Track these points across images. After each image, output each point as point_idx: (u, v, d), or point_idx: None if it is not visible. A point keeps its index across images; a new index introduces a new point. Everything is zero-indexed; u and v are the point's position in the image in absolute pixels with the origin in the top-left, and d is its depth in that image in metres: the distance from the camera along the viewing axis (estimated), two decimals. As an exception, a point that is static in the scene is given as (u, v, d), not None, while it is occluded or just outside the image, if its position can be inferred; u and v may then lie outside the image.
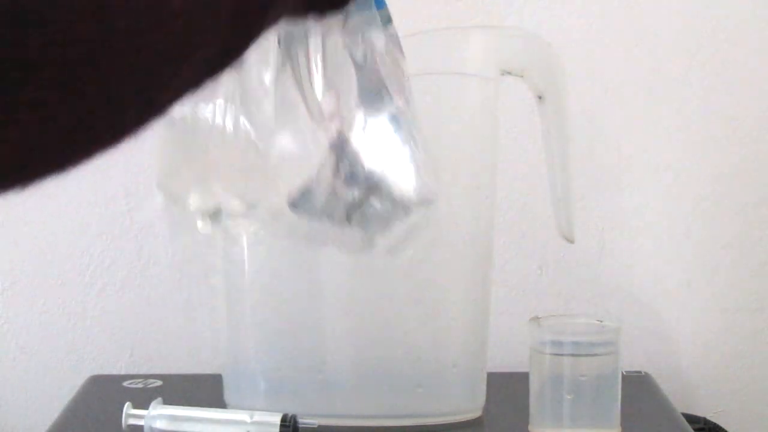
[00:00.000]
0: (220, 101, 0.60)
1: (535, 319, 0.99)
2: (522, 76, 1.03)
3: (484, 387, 1.05)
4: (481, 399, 1.05)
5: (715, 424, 1.24)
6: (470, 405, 1.04)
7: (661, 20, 1.24)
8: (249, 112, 0.61)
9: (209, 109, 0.60)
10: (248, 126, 0.61)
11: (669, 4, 1.24)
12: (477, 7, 1.24)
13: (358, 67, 0.60)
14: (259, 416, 0.97)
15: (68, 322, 1.26)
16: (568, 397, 0.97)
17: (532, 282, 1.27)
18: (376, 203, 0.60)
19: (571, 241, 1.06)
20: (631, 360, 1.20)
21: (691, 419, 1.18)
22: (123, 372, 1.26)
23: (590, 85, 1.25)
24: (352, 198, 0.60)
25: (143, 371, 1.25)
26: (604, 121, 1.25)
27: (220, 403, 1.06)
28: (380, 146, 0.61)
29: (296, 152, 0.61)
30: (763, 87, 1.25)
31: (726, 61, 1.25)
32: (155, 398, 1.00)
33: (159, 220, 1.25)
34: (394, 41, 0.61)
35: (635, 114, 1.25)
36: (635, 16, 1.24)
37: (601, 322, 1.00)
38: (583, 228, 1.25)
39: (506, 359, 1.20)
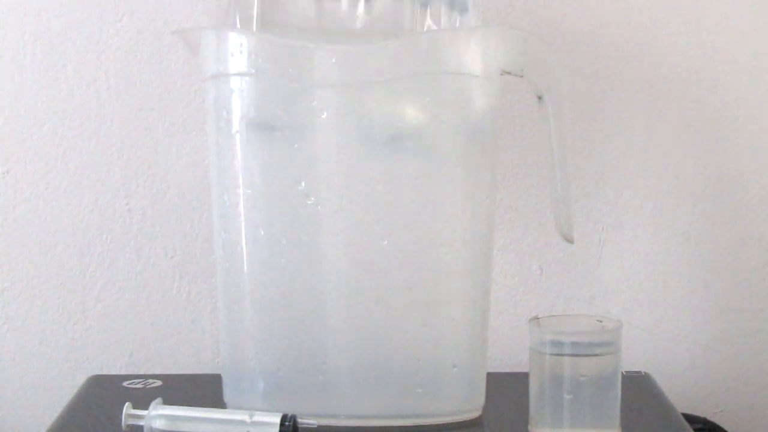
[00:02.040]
0: None
1: (535, 319, 0.99)
2: (522, 76, 1.03)
3: (483, 387, 1.05)
4: (480, 399, 1.05)
5: (715, 424, 1.24)
6: (470, 405, 1.04)
7: (662, 19, 1.24)
8: None
9: None
10: None
11: (670, 2, 1.24)
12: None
13: None
14: (258, 416, 0.98)
15: (68, 322, 1.26)
16: (568, 397, 0.97)
17: (532, 282, 1.27)
18: None
19: (570, 241, 1.06)
20: (631, 360, 1.20)
21: (691, 419, 1.19)
22: (123, 372, 1.26)
23: (590, 85, 1.24)
24: None
25: (143, 371, 1.25)
26: (604, 121, 1.25)
27: (220, 403, 1.06)
28: None
29: None
30: (764, 87, 1.25)
31: (726, 60, 1.25)
32: (155, 398, 1.00)
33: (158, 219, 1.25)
34: None
35: (635, 114, 1.25)
36: (636, 14, 1.24)
37: (601, 322, 1.00)
38: (582, 228, 1.25)
39: (506, 359, 1.20)
